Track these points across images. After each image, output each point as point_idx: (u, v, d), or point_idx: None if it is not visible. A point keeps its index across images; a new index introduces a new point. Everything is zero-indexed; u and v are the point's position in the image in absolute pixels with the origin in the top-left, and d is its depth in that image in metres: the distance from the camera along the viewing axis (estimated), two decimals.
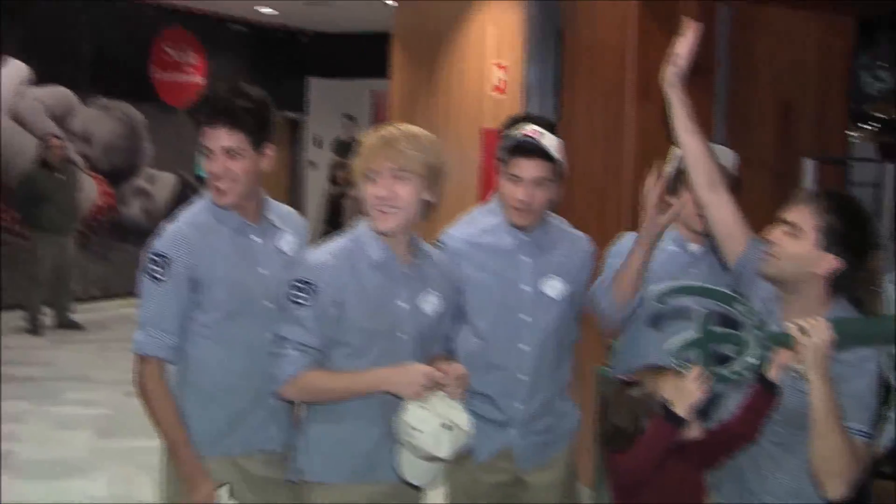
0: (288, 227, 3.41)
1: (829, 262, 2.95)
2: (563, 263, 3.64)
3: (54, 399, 8.41)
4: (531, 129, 3.54)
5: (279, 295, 3.18)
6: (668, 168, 3.69)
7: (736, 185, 3.53)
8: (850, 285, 3.05)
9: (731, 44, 5.96)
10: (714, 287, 2.91)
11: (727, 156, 3.77)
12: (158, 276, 3.16)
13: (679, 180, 3.67)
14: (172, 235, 3.21)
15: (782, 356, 2.81)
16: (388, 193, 3.09)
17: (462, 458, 3.24)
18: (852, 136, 11.00)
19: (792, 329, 2.77)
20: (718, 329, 2.84)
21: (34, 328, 10.99)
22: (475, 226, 3.71)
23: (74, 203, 11.32)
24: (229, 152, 3.15)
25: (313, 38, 15.65)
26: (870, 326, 2.97)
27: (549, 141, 3.51)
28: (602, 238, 3.98)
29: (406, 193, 3.11)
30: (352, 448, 3.21)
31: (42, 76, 12.08)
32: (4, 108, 11.68)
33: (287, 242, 3.38)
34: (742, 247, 3.16)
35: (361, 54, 14.41)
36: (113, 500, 6.10)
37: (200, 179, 13.10)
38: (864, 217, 3.05)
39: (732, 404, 3.03)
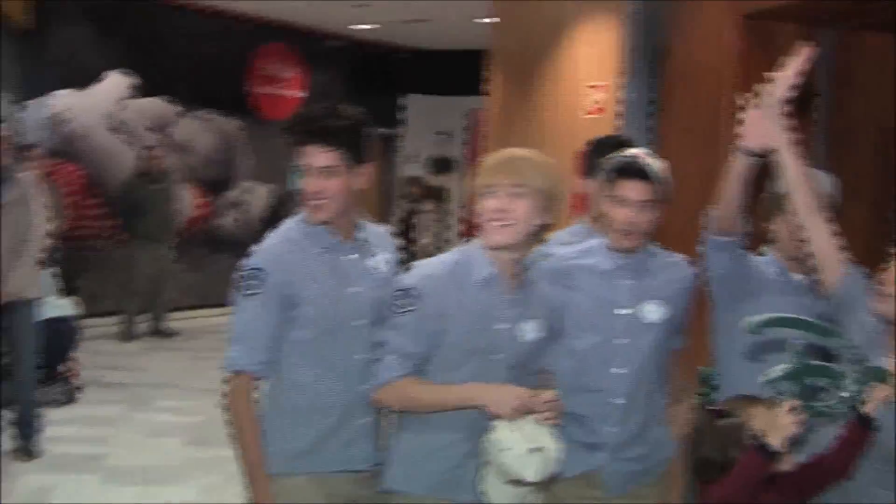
0: (379, 247, 3.43)
1: None
2: (662, 288, 3.60)
3: (146, 406, 8.55)
4: (636, 151, 3.56)
5: (370, 313, 3.21)
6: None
7: (834, 211, 3.48)
8: None
9: (832, 70, 5.88)
10: (811, 320, 2.87)
11: (826, 181, 3.72)
12: (251, 291, 3.17)
13: (776, 205, 3.64)
14: (266, 251, 3.24)
15: (880, 392, 2.76)
16: (505, 207, 3.12)
17: (548, 483, 3.23)
18: None
19: (891, 365, 2.73)
20: (815, 362, 2.80)
21: (128, 335, 11.19)
22: (573, 246, 3.72)
23: (171, 213, 11.53)
24: (324, 171, 3.16)
25: (410, 55, 15.76)
26: None
27: (654, 163, 3.51)
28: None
29: (522, 209, 3.14)
30: (438, 461, 3.23)
31: (143, 88, 12.33)
32: (106, 119, 11.94)
33: (377, 262, 3.39)
34: (840, 273, 3.09)
35: (457, 72, 14.47)
36: None
37: (295, 193, 13.26)
38: None
39: (827, 438, 2.98)
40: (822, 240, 3.13)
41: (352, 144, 3.19)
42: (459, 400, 3.16)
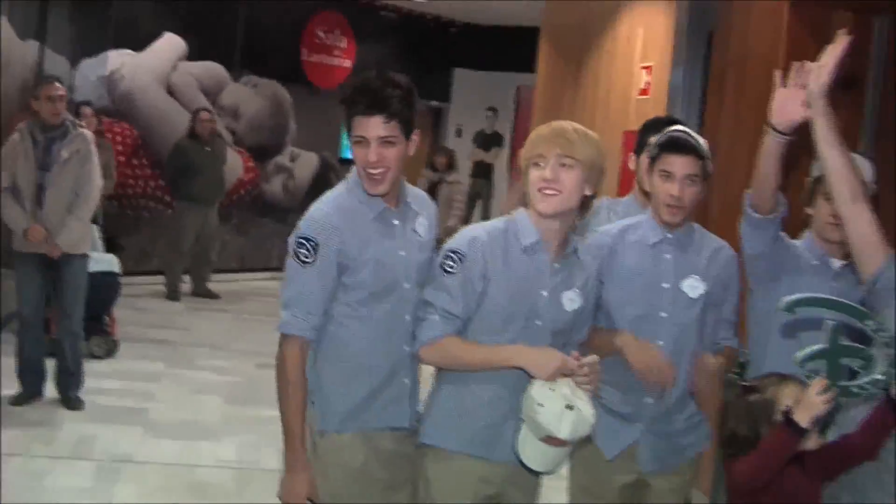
0: (421, 211, 3.51)
1: None
2: (704, 265, 3.68)
3: (189, 364, 8.69)
4: (682, 128, 3.67)
5: (417, 276, 3.31)
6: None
7: (874, 198, 3.52)
8: None
9: (884, 58, 5.87)
10: (846, 301, 2.93)
11: (866, 168, 3.76)
12: (306, 258, 3.23)
13: (816, 190, 3.69)
14: (321, 220, 3.28)
15: None
16: (554, 176, 3.22)
17: (581, 444, 3.31)
18: None
19: None
20: (848, 343, 2.86)
21: (173, 294, 11.34)
22: (623, 221, 3.82)
23: (220, 176, 11.64)
24: (384, 141, 3.22)
25: (462, 29, 15.80)
26: None
27: (700, 139, 3.61)
28: (738, 248, 3.99)
29: (570, 180, 3.24)
30: (476, 419, 3.33)
31: (196, 52, 12.46)
32: (160, 80, 12.08)
33: (422, 225, 3.47)
34: (880, 262, 3.12)
35: (508, 48, 14.52)
36: (241, 465, 6.29)
37: (343, 161, 13.35)
38: None
39: (856, 419, 3.03)
40: (863, 227, 3.15)
41: (407, 114, 3.26)
42: (502, 360, 3.26)
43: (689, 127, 3.95)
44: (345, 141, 13.87)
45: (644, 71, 7.67)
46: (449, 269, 3.29)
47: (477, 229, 3.39)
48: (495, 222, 3.43)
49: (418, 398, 3.47)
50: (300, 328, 3.26)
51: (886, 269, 3.09)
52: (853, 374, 2.88)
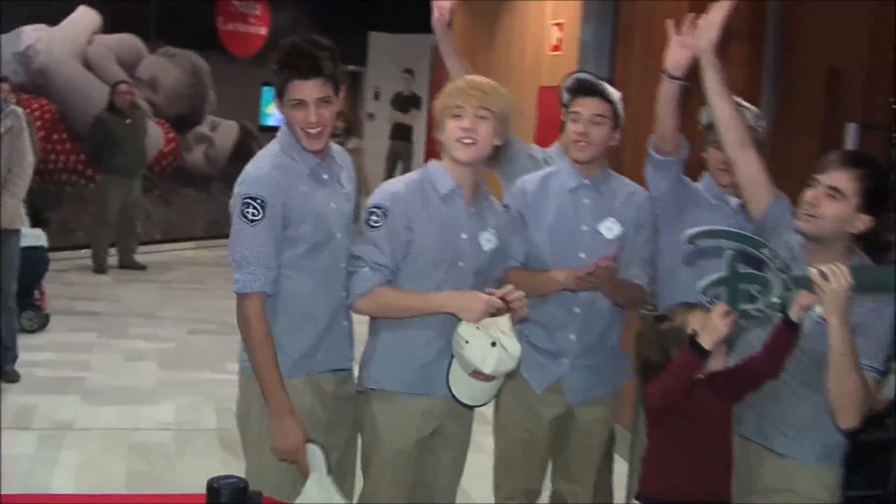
0: (343, 165, 3.71)
1: (865, 223, 3.22)
2: (619, 209, 3.95)
3: (121, 333, 8.79)
4: (588, 74, 4.00)
5: (346, 226, 3.54)
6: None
7: (763, 143, 3.82)
8: (872, 240, 3.31)
9: (781, 10, 6.12)
10: (743, 232, 3.17)
11: (755, 115, 4.04)
12: (255, 216, 3.38)
13: (706, 137, 3.97)
14: (264, 178, 3.44)
15: (804, 298, 3.07)
16: (472, 126, 3.46)
17: (509, 378, 3.58)
18: None
19: (814, 274, 3.03)
20: (745, 270, 3.11)
21: (100, 267, 11.38)
22: (542, 171, 4.09)
23: (141, 148, 11.66)
24: (321, 101, 3.41)
25: None
26: (888, 275, 3.21)
27: (608, 86, 3.90)
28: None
29: (485, 130, 3.49)
30: (414, 360, 3.57)
31: (111, 24, 12.41)
32: (76, 54, 12.04)
33: (346, 178, 3.69)
34: (767, 200, 3.41)
35: (423, 10, 14.53)
36: (180, 427, 6.44)
37: (263, 129, 13.43)
38: (890, 180, 3.31)
39: (757, 341, 3.29)
40: (750, 170, 3.44)
41: (336, 74, 3.46)
42: (433, 307, 3.51)
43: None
44: (264, 108, 13.95)
45: (555, 28, 7.87)
46: (374, 224, 3.51)
47: (395, 184, 3.64)
48: (411, 175, 3.69)
49: (353, 340, 3.70)
50: (260, 284, 3.42)
51: (774, 207, 3.38)
52: (753, 300, 3.12)
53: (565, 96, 4.00)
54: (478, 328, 3.38)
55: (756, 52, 6.05)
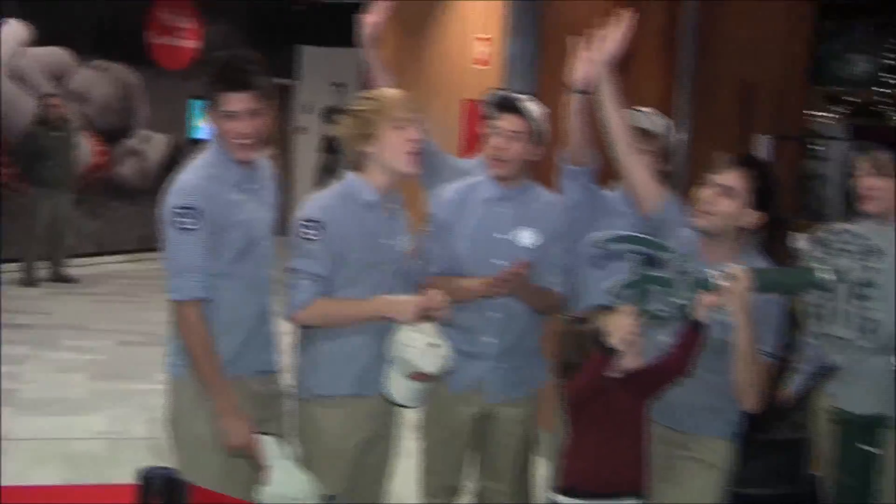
0: (266, 174, 3.87)
1: (755, 218, 3.48)
2: (536, 218, 4.12)
3: (52, 345, 8.82)
4: (513, 93, 4.19)
5: (269, 234, 3.73)
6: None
7: (670, 151, 4.19)
8: (764, 235, 3.60)
9: (696, 24, 6.36)
10: (648, 237, 3.37)
11: (666, 126, 4.26)
12: (188, 226, 3.51)
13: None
14: (196, 187, 3.58)
15: (707, 299, 3.27)
16: (420, 137, 3.67)
17: (442, 379, 3.78)
18: (827, 117, 11.48)
19: (718, 277, 3.23)
20: (651, 272, 3.30)
21: (30, 280, 11.37)
22: (464, 181, 4.24)
23: (71, 160, 11.66)
24: (253, 113, 3.56)
25: (306, 7, 15.98)
26: (784, 276, 3.44)
27: (530, 104, 4.07)
28: None
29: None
30: (354, 364, 3.75)
31: (40, 37, 12.38)
32: (5, 67, 12.02)
33: (268, 189, 3.85)
34: (658, 202, 3.66)
35: (352, 24, 14.71)
36: (113, 436, 6.52)
37: (192, 141, 13.48)
38: (776, 179, 3.60)
39: (668, 341, 3.50)
40: (642, 174, 3.70)
41: (265, 88, 3.62)
42: (370, 313, 3.69)
43: (524, 94, 4.40)
44: (194, 121, 14.02)
45: (481, 42, 8.03)
46: (310, 237, 3.65)
47: (322, 197, 3.79)
48: (335, 188, 3.82)
49: (276, 344, 3.86)
50: (200, 291, 3.56)
51: (667, 207, 3.62)
52: (658, 301, 3.31)
53: (487, 111, 4.19)
54: (416, 331, 3.59)
55: (671, 67, 6.29)
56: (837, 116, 11.36)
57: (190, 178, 3.63)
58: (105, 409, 7.04)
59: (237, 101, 3.55)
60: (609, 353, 3.30)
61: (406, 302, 3.66)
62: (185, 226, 3.52)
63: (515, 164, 4.07)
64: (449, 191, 4.22)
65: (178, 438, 3.72)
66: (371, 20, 4.48)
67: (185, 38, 14.34)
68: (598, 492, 3.44)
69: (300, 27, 15.92)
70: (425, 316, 3.63)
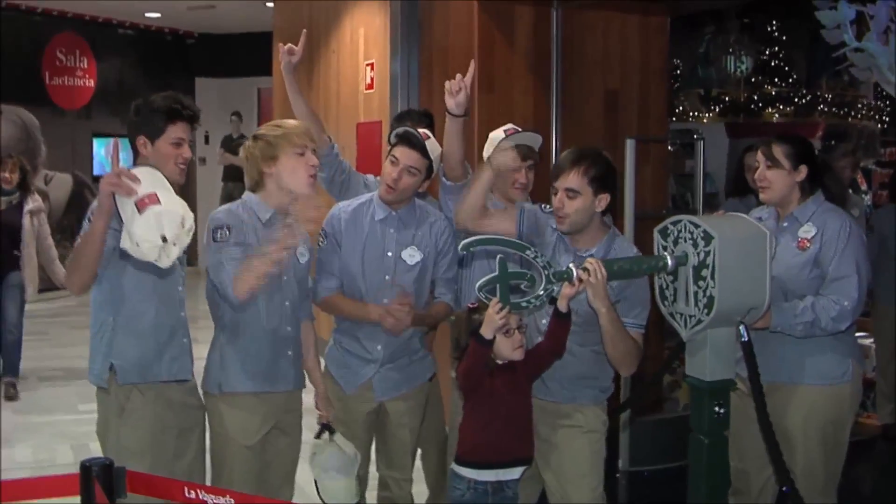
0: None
1: (605, 200, 4.00)
2: (420, 238, 4.54)
3: None
4: (422, 130, 4.56)
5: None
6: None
7: (538, 160, 4.69)
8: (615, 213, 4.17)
9: (561, 41, 6.82)
10: (510, 238, 3.81)
11: (537, 140, 4.73)
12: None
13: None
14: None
15: (567, 290, 3.71)
16: (317, 163, 4.09)
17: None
18: (701, 117, 12.09)
19: (577, 271, 3.67)
20: (514, 269, 3.70)
21: None
22: (356, 200, 4.63)
23: None
24: (189, 142, 4.06)
25: (199, 40, 16.24)
26: (634, 264, 3.88)
27: (431, 144, 4.49)
28: None
29: None
30: (257, 362, 4.14)
31: None
32: None
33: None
34: (516, 215, 4.20)
35: (246, 54, 14.99)
36: (38, 465, 6.75)
37: (97, 179, 13.65)
38: (610, 162, 4.09)
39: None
40: (477, 189, 4.16)
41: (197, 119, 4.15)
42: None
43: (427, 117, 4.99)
44: (96, 158, 14.22)
45: (368, 67, 8.39)
46: (217, 238, 4.01)
47: (223, 209, 4.17)
48: (230, 207, 4.19)
49: (193, 355, 4.22)
50: None
51: (525, 214, 4.15)
52: (522, 294, 3.71)
53: (392, 139, 4.55)
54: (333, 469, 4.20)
55: (543, 82, 6.74)
56: (710, 115, 12.01)
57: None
58: (29, 441, 7.29)
59: (185, 131, 4.03)
60: (481, 342, 3.73)
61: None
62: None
63: (406, 193, 4.47)
64: (341, 209, 4.57)
65: (105, 444, 4.06)
66: (289, 49, 4.85)
67: (81, 77, 14.56)
68: (493, 462, 3.90)
69: (194, 58, 16.16)
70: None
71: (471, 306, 3.94)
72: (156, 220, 3.56)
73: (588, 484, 4.13)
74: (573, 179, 3.95)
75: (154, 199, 3.59)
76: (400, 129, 4.55)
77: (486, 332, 3.72)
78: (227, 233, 4.01)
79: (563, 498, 4.14)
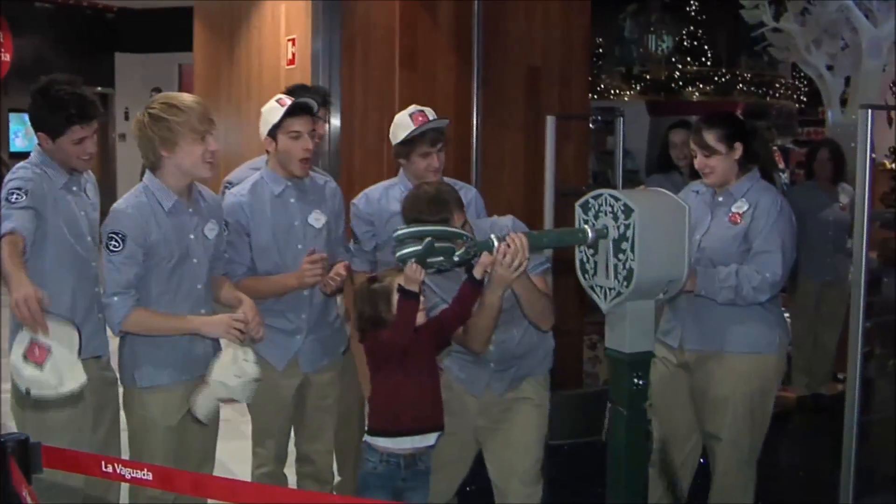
0: (89, 179, 4.30)
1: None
2: (320, 202, 4.63)
3: None
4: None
5: (96, 230, 4.12)
6: None
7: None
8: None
9: (481, 20, 6.82)
10: (441, 228, 3.81)
11: (444, 123, 4.86)
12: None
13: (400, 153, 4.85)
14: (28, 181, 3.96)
15: (485, 259, 3.74)
16: (216, 148, 4.03)
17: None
18: (622, 95, 12.21)
19: (497, 243, 3.70)
20: (438, 245, 3.73)
21: None
22: (247, 182, 4.64)
23: None
24: (93, 135, 4.07)
25: (119, 15, 16.04)
26: (554, 237, 3.97)
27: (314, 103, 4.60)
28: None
29: None
30: (171, 352, 4.12)
31: None
32: None
33: (91, 191, 4.28)
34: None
35: (167, 29, 14.86)
36: None
37: (14, 155, 13.47)
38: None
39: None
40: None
41: (101, 113, 4.15)
42: (185, 329, 4.08)
43: (330, 90, 4.90)
44: (13, 134, 14.02)
45: (289, 43, 8.33)
46: (114, 249, 3.94)
47: (124, 208, 4.03)
48: (132, 196, 4.09)
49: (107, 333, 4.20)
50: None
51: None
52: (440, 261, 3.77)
53: (282, 115, 4.50)
54: (236, 364, 4.01)
55: (465, 60, 6.74)
56: (631, 93, 12.14)
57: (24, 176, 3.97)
58: None
59: (86, 130, 4.03)
60: (408, 296, 3.79)
61: (219, 321, 4.02)
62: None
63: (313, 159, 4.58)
64: (236, 194, 4.58)
65: (21, 417, 4.04)
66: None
67: None
68: (407, 429, 3.98)
69: (114, 34, 15.97)
70: (237, 331, 3.98)
71: (370, 276, 4.00)
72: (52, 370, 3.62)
73: (533, 456, 4.31)
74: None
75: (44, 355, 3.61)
76: (288, 103, 4.53)
77: (410, 285, 3.79)
78: (121, 242, 3.94)
79: (507, 467, 4.29)
